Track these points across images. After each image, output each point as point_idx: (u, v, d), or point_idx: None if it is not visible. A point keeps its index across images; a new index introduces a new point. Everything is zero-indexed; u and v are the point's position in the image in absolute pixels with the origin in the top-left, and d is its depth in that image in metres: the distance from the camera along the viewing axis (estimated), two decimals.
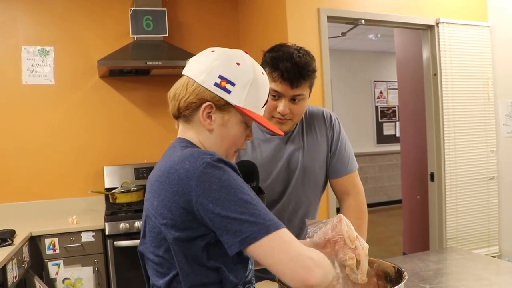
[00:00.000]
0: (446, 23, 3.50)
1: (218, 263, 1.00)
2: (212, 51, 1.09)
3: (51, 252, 2.84)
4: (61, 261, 2.85)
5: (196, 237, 0.97)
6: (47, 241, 2.83)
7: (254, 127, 1.66)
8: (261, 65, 1.52)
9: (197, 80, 1.05)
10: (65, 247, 2.85)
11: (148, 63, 3.16)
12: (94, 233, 2.93)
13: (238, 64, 1.06)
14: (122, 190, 3.33)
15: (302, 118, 1.70)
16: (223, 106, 1.05)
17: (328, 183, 1.81)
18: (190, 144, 1.08)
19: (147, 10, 3.37)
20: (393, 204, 7.56)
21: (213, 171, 0.94)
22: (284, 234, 0.92)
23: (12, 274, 2.35)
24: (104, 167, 3.50)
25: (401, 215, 4.89)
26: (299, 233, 1.68)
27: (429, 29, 3.55)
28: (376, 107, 8.03)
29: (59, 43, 3.45)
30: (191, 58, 1.13)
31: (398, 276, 1.20)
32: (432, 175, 3.62)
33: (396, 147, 7.58)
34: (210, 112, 1.06)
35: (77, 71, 3.50)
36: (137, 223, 2.95)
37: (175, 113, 1.11)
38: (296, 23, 3.03)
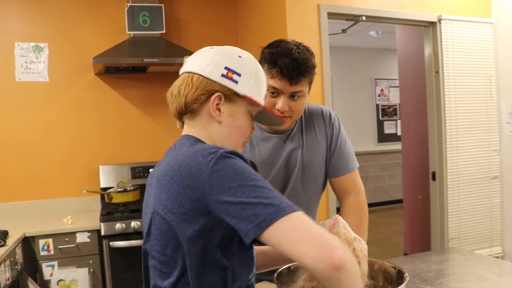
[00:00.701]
0: (449, 19, 3.44)
1: (228, 263, 0.96)
2: (211, 48, 1.12)
3: (45, 253, 2.78)
4: (55, 262, 2.80)
5: (208, 233, 0.93)
6: (41, 242, 2.78)
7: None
8: (260, 61, 1.48)
9: (203, 73, 1.07)
10: (59, 248, 2.80)
11: (144, 60, 3.11)
12: (89, 234, 2.87)
13: (240, 56, 1.10)
14: (118, 189, 3.28)
15: (302, 116, 1.67)
16: (231, 96, 1.08)
17: (328, 182, 1.77)
18: (198, 140, 1.07)
19: (144, 6, 3.32)
20: (394, 204, 7.51)
21: (225, 160, 0.92)
22: (302, 215, 0.87)
23: (5, 275, 2.30)
24: (100, 166, 3.45)
25: (402, 215, 4.84)
26: None
27: (431, 26, 3.49)
28: (377, 105, 7.97)
29: (54, 40, 3.39)
30: (187, 58, 1.14)
31: (399, 277, 1.16)
32: (433, 174, 3.57)
33: (397, 145, 7.54)
34: (218, 104, 1.07)
35: (72, 68, 3.44)
36: (134, 223, 2.90)
37: (180, 110, 1.09)
38: (296, 20, 2.98)
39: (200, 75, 1.07)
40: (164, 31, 3.37)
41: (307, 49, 1.52)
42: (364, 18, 3.20)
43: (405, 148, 4.69)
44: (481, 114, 3.59)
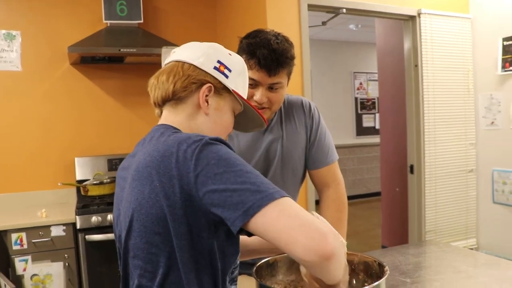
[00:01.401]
0: (428, 13, 3.46)
1: (217, 255, 0.93)
2: (200, 43, 1.11)
3: (18, 247, 2.71)
4: (29, 257, 2.73)
5: (197, 225, 0.89)
6: (14, 236, 2.70)
7: None
8: (238, 52, 1.46)
9: (195, 63, 1.05)
10: (33, 242, 2.73)
11: (122, 50, 3.04)
12: (64, 227, 2.81)
13: (230, 54, 1.11)
14: (94, 182, 3.21)
15: (281, 107, 1.65)
16: (221, 90, 1.07)
17: (307, 175, 1.75)
18: (177, 130, 1.02)
19: None
20: (372, 197, 7.59)
21: (210, 147, 0.89)
22: (290, 201, 0.84)
23: None
24: (75, 158, 3.38)
25: (380, 207, 4.89)
26: None
27: (410, 20, 3.51)
28: (356, 98, 8.03)
29: (27, 27, 3.28)
30: (177, 48, 1.12)
31: (380, 271, 1.15)
32: (411, 167, 3.60)
33: (375, 139, 7.61)
34: (207, 96, 1.05)
35: (46, 57, 3.35)
36: (110, 216, 2.85)
37: (166, 97, 1.05)
38: (276, 11, 2.95)
39: (192, 64, 1.05)
40: (142, 21, 3.30)
41: (286, 39, 1.50)
42: (344, 10, 3.20)
43: (383, 141, 4.73)
44: (459, 108, 3.63)
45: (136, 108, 3.55)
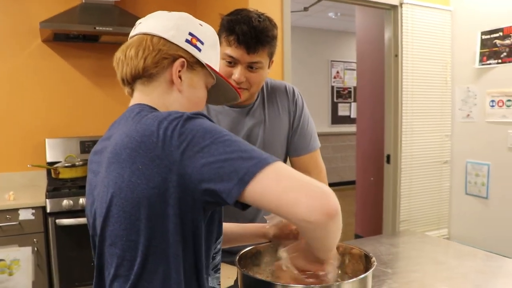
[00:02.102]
0: (410, 4, 3.46)
1: (200, 239, 0.88)
2: (168, 12, 1.03)
3: None
4: None
5: (184, 208, 0.83)
6: None
7: None
8: (218, 30, 1.40)
9: (165, 36, 0.97)
10: (0, 225, 2.62)
11: (97, 28, 2.92)
12: (33, 211, 2.70)
13: (201, 25, 1.03)
14: (66, 164, 3.11)
15: (264, 90, 1.61)
16: (194, 65, 1.00)
17: (288, 162, 1.72)
18: (154, 109, 0.95)
19: None
20: (345, 185, 7.66)
21: (192, 121, 0.84)
22: (284, 164, 0.81)
23: None
24: (46, 139, 3.25)
25: (354, 196, 4.92)
26: (256, 214, 1.60)
27: (392, 9, 3.50)
28: (332, 87, 8.04)
29: None
30: (142, 19, 1.03)
31: (367, 262, 1.13)
32: (388, 157, 3.62)
33: (350, 128, 7.66)
34: (180, 72, 0.98)
35: (16, 32, 3.19)
36: (82, 200, 2.76)
37: (136, 74, 0.98)
38: None
39: (162, 37, 0.97)
40: None
41: (269, 19, 1.44)
42: None
43: (359, 130, 4.74)
44: (436, 99, 3.66)
45: (111, 89, 3.44)
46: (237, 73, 1.40)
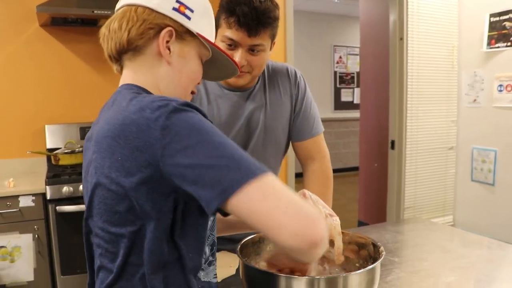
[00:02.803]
0: None
1: (183, 238, 0.83)
2: None
3: None
4: None
5: (162, 204, 0.78)
6: None
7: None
8: (217, 11, 1.34)
9: (150, 5, 0.90)
10: (0, 212, 2.59)
11: (95, 11, 2.85)
12: (34, 198, 2.66)
13: None
14: (66, 150, 3.06)
15: (264, 73, 1.55)
16: (183, 34, 0.92)
17: (290, 147, 1.67)
18: (142, 89, 0.89)
19: None
20: (348, 172, 7.62)
21: (179, 115, 0.76)
22: (273, 179, 0.73)
23: None
24: (46, 126, 3.20)
25: (357, 182, 4.88)
26: None
27: None
28: (335, 72, 7.96)
29: None
30: None
31: (375, 251, 1.09)
32: (392, 142, 3.57)
33: (353, 113, 7.60)
34: (168, 42, 0.91)
35: (13, 17, 3.12)
36: (82, 187, 2.71)
37: (121, 48, 0.91)
38: None
39: (147, 7, 0.89)
40: None
41: None
42: None
43: (363, 116, 4.68)
44: (442, 84, 3.60)
45: (110, 74, 3.33)
46: (237, 56, 1.35)
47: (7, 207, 2.61)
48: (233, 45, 1.35)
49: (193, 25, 0.93)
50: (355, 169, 5.19)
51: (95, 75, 3.38)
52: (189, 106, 0.79)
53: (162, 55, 0.91)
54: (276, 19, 1.38)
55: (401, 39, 3.43)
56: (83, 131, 3.28)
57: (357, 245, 1.15)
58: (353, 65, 7.99)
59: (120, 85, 0.95)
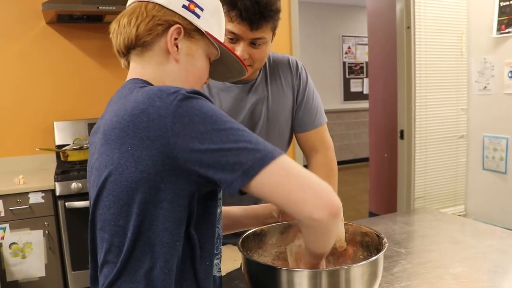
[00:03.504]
0: None
1: (194, 232, 0.84)
2: None
3: None
4: (7, 225, 2.62)
5: (174, 193, 0.78)
6: None
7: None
8: None
9: (160, 1, 0.90)
10: (11, 209, 2.61)
11: (100, 8, 2.86)
12: (43, 194, 2.69)
13: None
14: (74, 147, 3.08)
15: (266, 65, 1.54)
16: (192, 32, 0.92)
17: (294, 139, 1.66)
18: (148, 84, 0.89)
19: None
20: (359, 162, 7.58)
21: (190, 102, 0.77)
22: (290, 159, 0.78)
23: None
24: (54, 123, 3.22)
25: (367, 173, 4.85)
26: None
27: None
28: (344, 63, 7.89)
29: None
30: None
31: (378, 243, 1.07)
32: (402, 132, 3.54)
33: (363, 104, 7.54)
34: (176, 39, 0.91)
35: (20, 15, 3.13)
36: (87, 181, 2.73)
37: (129, 43, 0.91)
38: None
39: (156, 3, 0.90)
40: None
41: None
42: None
43: (372, 106, 4.64)
44: (451, 72, 3.55)
45: (117, 70, 3.39)
46: (239, 49, 1.34)
47: (18, 204, 2.63)
48: (234, 38, 1.34)
49: (202, 23, 0.93)
50: (366, 160, 5.15)
51: (102, 71, 3.39)
52: (198, 93, 0.80)
53: (170, 52, 0.91)
54: (278, 11, 1.37)
55: (408, 27, 3.38)
56: (91, 127, 3.27)
57: (360, 237, 1.14)
58: (362, 55, 7.92)
59: (127, 79, 0.95)
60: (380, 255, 0.96)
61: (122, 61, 0.98)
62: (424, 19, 3.38)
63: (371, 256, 1.06)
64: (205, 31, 0.93)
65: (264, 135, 1.52)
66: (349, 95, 7.96)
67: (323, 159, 1.62)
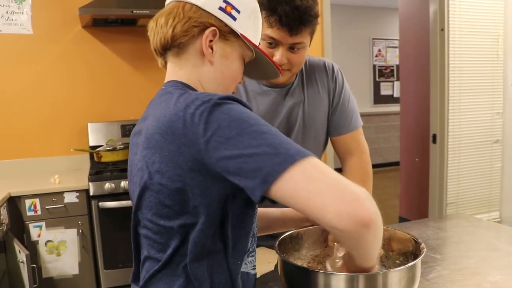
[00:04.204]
0: None
1: (229, 230, 0.85)
2: None
3: (32, 213, 2.67)
4: (43, 223, 2.70)
5: (209, 197, 0.80)
6: (28, 202, 2.66)
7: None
8: None
9: (197, 3, 0.90)
10: (47, 208, 2.69)
11: (134, 11, 2.91)
12: (77, 194, 2.76)
13: None
14: (108, 148, 3.15)
15: (302, 69, 1.55)
16: (227, 35, 0.92)
17: (329, 142, 1.66)
18: (187, 87, 0.91)
19: None
20: (389, 167, 7.47)
21: (220, 108, 0.77)
22: (316, 160, 0.73)
23: None
24: (88, 124, 3.30)
25: (397, 177, 4.78)
26: None
27: None
28: (374, 66, 7.81)
29: None
30: None
31: (416, 248, 1.06)
32: (434, 136, 3.48)
33: (393, 107, 7.44)
34: (211, 41, 0.91)
35: (58, 19, 3.22)
36: (123, 183, 2.79)
37: (165, 44, 0.92)
38: None
39: (194, 4, 0.90)
40: None
41: None
42: None
43: (403, 110, 4.57)
44: (486, 75, 3.47)
45: (150, 73, 3.44)
46: (278, 54, 1.35)
47: (53, 203, 2.70)
48: (273, 43, 1.35)
49: (238, 26, 0.92)
50: (396, 164, 5.08)
51: (135, 74, 3.45)
52: (230, 98, 0.80)
53: (205, 54, 0.91)
54: (316, 16, 1.38)
55: (442, 29, 3.32)
56: (124, 128, 3.35)
57: (397, 241, 1.12)
58: (392, 58, 7.82)
59: (166, 80, 0.96)
60: (418, 261, 0.95)
61: (159, 60, 0.99)
62: (458, 21, 3.31)
63: (407, 262, 1.04)
64: (241, 34, 0.93)
65: (300, 139, 1.52)
66: (379, 98, 7.86)
67: (358, 163, 1.61)
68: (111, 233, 2.80)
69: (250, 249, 0.95)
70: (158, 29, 0.93)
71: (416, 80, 4.20)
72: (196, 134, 0.76)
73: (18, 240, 2.44)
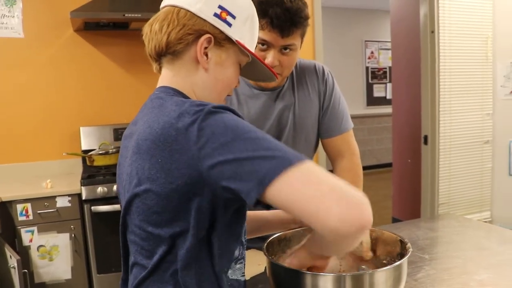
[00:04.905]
0: None
1: (217, 238, 0.85)
2: None
3: (23, 218, 2.66)
4: (35, 228, 2.68)
5: (200, 204, 0.80)
6: (19, 207, 2.65)
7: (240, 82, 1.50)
8: None
9: (192, 9, 0.89)
10: (38, 213, 2.68)
11: (126, 15, 2.91)
12: (70, 198, 2.75)
13: None
14: (100, 152, 3.14)
15: (293, 71, 1.56)
16: (222, 41, 0.92)
17: (320, 144, 1.67)
18: (179, 93, 0.91)
19: None
20: (382, 168, 7.50)
21: (214, 116, 0.78)
22: (313, 165, 0.73)
23: None
24: (81, 128, 3.29)
25: (390, 179, 4.81)
26: None
27: None
28: (367, 68, 7.85)
29: None
30: None
31: (402, 248, 1.07)
32: (425, 138, 3.50)
33: (386, 109, 7.47)
34: (206, 48, 0.91)
35: (49, 23, 3.22)
36: (116, 187, 2.78)
37: (160, 50, 0.92)
38: None
39: (188, 10, 0.89)
40: None
41: None
42: None
43: (395, 111, 4.60)
44: (476, 76, 3.50)
45: (142, 76, 3.44)
46: (270, 56, 1.36)
47: (45, 208, 2.69)
48: (265, 45, 1.36)
49: (233, 32, 0.92)
50: (389, 165, 5.11)
51: (128, 77, 3.45)
52: (223, 108, 0.81)
53: (199, 61, 0.91)
54: (307, 18, 1.39)
55: (432, 32, 3.35)
56: (117, 132, 3.35)
57: (384, 242, 1.14)
58: (385, 60, 7.86)
59: (158, 85, 0.96)
60: (404, 260, 0.96)
61: (154, 66, 0.99)
62: (448, 23, 3.34)
63: (394, 262, 1.05)
64: (236, 41, 0.92)
65: (290, 142, 1.53)
66: (372, 100, 7.90)
67: (349, 165, 1.62)
68: (104, 237, 2.79)
69: (239, 257, 0.95)
70: (152, 35, 0.92)
71: (407, 82, 4.23)
72: (190, 141, 0.76)
73: (10, 246, 2.43)
